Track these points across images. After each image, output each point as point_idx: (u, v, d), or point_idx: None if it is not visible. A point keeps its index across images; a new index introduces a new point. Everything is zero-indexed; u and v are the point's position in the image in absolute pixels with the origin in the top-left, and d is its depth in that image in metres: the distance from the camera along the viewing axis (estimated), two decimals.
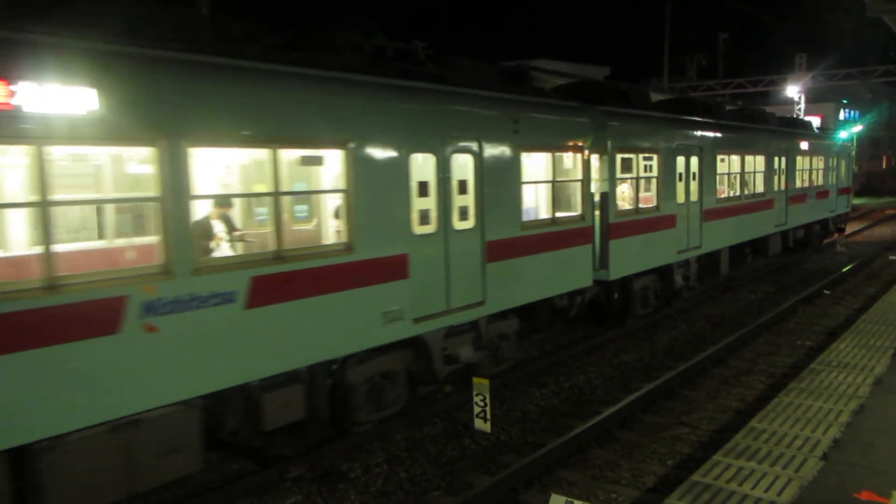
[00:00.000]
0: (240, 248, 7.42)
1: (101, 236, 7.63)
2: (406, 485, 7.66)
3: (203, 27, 7.09)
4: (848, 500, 5.60)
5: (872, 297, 16.75)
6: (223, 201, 7.44)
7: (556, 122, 10.97)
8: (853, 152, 30.19)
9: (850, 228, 30.29)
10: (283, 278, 6.97)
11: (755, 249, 19.50)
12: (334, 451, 8.25)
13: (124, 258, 7.39)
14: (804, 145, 22.48)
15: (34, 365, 5.33)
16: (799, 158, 21.82)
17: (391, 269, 8.07)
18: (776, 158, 19.81)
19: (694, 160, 14.92)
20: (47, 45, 5.47)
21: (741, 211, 17.57)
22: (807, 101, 43.59)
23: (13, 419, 5.27)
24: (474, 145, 9.17)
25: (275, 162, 6.90)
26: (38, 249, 5.44)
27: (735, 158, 17.32)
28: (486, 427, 8.04)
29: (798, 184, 21.88)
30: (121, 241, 7.65)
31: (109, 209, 7.59)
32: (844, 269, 20.71)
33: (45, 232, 5.41)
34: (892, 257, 23.73)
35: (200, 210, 6.98)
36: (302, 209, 8.72)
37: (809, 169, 22.94)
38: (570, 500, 6.77)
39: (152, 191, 6.09)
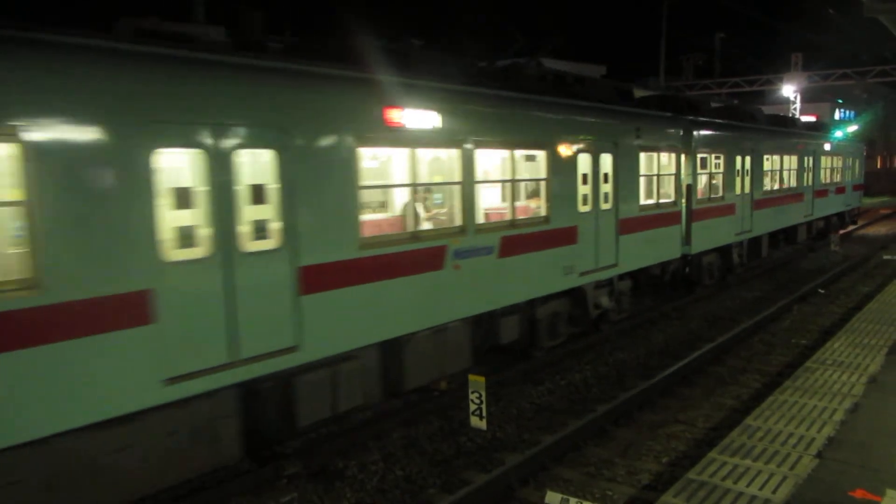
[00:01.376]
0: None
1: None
2: (402, 482, 7.66)
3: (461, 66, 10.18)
4: (842, 499, 5.62)
5: (867, 296, 16.80)
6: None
7: (661, 129, 14.18)
8: (864, 152, 34.14)
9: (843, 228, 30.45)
10: (515, 239, 10.09)
11: (786, 237, 22.74)
12: (330, 448, 8.26)
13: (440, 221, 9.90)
14: (827, 147, 25.97)
15: (403, 287, 8.37)
16: (823, 158, 25.33)
17: (568, 235, 11.21)
18: (806, 158, 23.23)
19: (748, 159, 18.13)
20: (415, 87, 8.53)
21: (780, 202, 20.90)
22: (802, 101, 43.69)
23: (392, 321, 8.32)
24: (613, 147, 12.24)
25: (512, 159, 10.07)
26: (410, 212, 8.64)
27: (776, 158, 20.60)
28: (482, 425, 8.05)
29: (822, 180, 25.24)
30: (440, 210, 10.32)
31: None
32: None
33: (413, 201, 8.68)
34: (886, 257, 23.80)
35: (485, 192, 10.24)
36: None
37: (831, 167, 26.50)
38: (565, 497, 6.79)
39: (457, 178, 9.13)
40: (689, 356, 11.63)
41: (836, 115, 63.00)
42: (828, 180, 25.89)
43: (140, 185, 5.93)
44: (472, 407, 8.09)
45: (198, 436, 6.55)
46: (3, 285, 5.24)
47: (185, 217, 6.36)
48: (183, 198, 6.36)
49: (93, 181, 5.68)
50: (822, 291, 17.74)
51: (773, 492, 5.76)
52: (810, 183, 23.61)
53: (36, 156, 5.31)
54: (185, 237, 6.35)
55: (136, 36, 6.49)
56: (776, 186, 20.60)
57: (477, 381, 7.96)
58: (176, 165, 6.39)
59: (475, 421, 8.07)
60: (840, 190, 27.59)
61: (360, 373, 8.02)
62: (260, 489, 7.44)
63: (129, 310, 5.88)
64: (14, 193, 5.33)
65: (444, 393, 9.91)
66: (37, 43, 5.47)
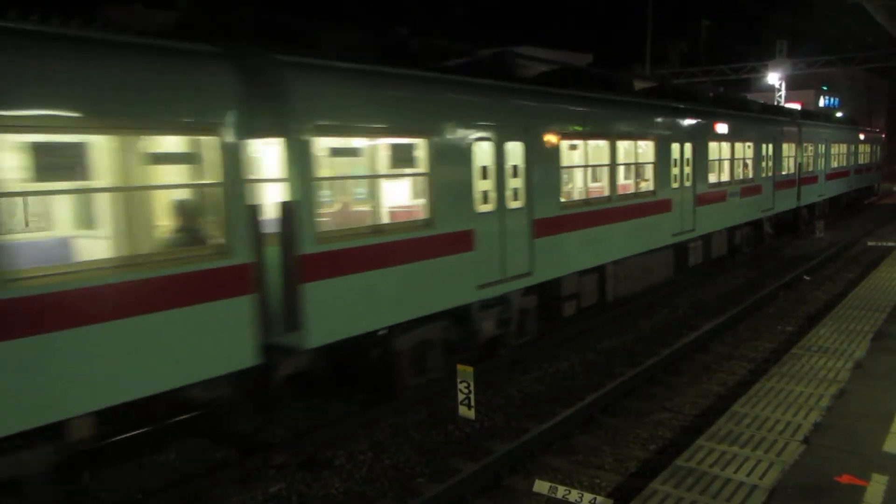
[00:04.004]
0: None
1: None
2: (390, 471, 7.65)
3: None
4: (829, 484, 5.65)
5: (852, 282, 16.94)
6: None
7: (789, 129, 23.11)
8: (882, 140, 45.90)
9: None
10: (741, 189, 18.73)
11: (834, 202, 31.01)
12: (318, 438, 8.22)
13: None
14: (862, 136, 36.03)
15: (717, 208, 17.21)
16: (860, 146, 35.19)
17: (759, 188, 19.97)
18: (851, 146, 33.03)
19: (823, 146, 27.40)
20: (717, 114, 17.79)
21: (838, 176, 30.33)
22: (787, 88, 43.86)
23: (711, 224, 17.17)
24: (773, 140, 21.17)
25: (743, 148, 18.76)
26: (716, 173, 17.43)
27: (837, 145, 29.95)
28: (471, 414, 8.05)
29: (860, 161, 35.06)
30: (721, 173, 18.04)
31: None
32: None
33: (718, 170, 17.62)
34: (870, 243, 23.99)
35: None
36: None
37: (863, 152, 36.19)
38: (553, 485, 6.81)
39: (728, 156, 17.92)
40: (676, 344, 11.68)
41: (821, 102, 63.25)
42: (861, 162, 35.44)
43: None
44: (461, 396, 8.08)
45: (665, 263, 15.09)
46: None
47: (676, 171, 14.85)
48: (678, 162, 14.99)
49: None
50: (808, 278, 17.87)
51: (761, 478, 5.78)
52: (852, 163, 33.29)
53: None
54: (677, 178, 14.97)
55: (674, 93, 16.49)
56: (836, 165, 29.72)
57: (465, 371, 7.95)
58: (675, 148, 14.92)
59: (463, 410, 8.07)
60: (868, 169, 37.88)
61: (700, 247, 16.43)
62: (248, 479, 7.39)
63: (664, 205, 14.42)
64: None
65: (432, 382, 9.88)
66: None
